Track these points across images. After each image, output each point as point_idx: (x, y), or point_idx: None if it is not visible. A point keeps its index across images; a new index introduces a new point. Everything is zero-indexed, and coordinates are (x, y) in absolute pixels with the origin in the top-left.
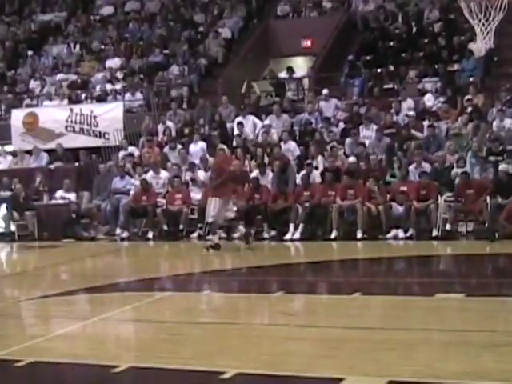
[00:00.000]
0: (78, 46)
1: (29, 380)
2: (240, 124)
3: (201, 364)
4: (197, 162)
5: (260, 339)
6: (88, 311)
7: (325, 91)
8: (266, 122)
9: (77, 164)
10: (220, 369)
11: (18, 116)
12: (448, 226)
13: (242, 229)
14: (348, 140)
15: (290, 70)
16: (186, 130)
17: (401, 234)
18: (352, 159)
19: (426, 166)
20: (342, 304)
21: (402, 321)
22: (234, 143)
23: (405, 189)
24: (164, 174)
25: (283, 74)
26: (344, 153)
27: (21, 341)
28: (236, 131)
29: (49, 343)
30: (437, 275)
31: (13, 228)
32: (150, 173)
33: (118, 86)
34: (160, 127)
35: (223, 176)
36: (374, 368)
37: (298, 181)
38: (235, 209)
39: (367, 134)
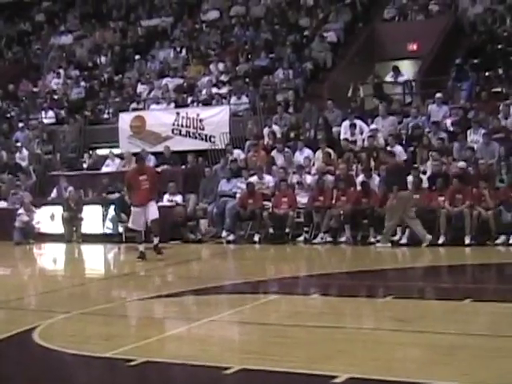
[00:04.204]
0: (184, 51)
1: (141, 379)
2: (346, 128)
3: (312, 368)
4: (304, 165)
5: (370, 344)
6: (196, 313)
7: (438, 95)
8: (373, 126)
9: (183, 167)
10: (332, 373)
11: (125, 119)
12: None
13: (348, 232)
14: (456, 144)
15: (396, 69)
16: (292, 134)
17: (511, 240)
18: (462, 164)
19: None
20: (452, 310)
21: None
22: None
23: None
24: (268, 178)
25: (389, 78)
26: (452, 157)
27: (132, 341)
28: (342, 135)
29: (160, 343)
30: None
31: (120, 230)
32: (255, 177)
33: (224, 90)
34: (266, 131)
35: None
36: (490, 375)
37: None
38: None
39: (475, 138)
